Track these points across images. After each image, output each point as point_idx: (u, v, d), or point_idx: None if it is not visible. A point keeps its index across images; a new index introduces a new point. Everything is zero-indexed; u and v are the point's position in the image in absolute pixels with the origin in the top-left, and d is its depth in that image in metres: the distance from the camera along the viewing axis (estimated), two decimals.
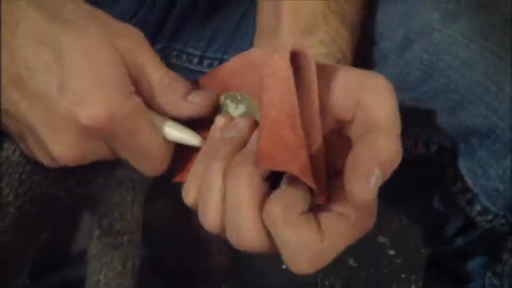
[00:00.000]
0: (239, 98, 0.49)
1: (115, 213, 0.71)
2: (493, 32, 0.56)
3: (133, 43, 0.47)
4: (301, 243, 0.41)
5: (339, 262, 1.30)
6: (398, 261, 1.31)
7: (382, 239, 1.35)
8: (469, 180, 0.56)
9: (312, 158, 0.44)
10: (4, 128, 0.50)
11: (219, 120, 0.49)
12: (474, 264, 0.63)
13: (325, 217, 0.43)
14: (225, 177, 0.44)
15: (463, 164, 0.56)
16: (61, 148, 0.46)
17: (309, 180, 0.42)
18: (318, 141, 0.44)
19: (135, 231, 0.74)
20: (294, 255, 0.42)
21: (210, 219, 0.45)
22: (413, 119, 0.56)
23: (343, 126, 0.46)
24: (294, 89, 0.43)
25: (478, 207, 0.57)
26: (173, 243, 0.97)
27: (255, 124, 0.47)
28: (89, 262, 0.75)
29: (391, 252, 1.33)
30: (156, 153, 0.48)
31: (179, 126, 0.50)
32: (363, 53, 0.56)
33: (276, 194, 0.43)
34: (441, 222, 0.61)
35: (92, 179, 0.69)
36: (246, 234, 0.43)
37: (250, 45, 0.65)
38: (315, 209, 0.43)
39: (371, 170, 0.41)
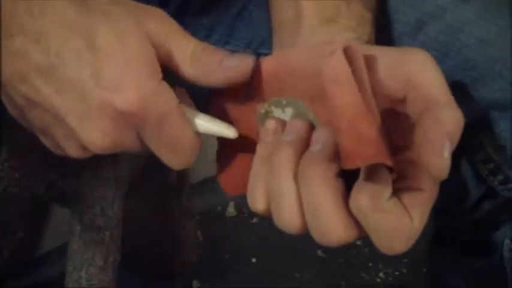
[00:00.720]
0: (284, 102, 0.49)
1: (96, 209, 0.72)
2: (507, 9, 0.58)
3: (160, 23, 0.47)
4: (393, 227, 0.43)
5: (308, 254, 1.32)
6: (366, 250, 1.33)
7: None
8: (491, 151, 0.58)
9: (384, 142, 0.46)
10: (26, 123, 0.50)
11: (271, 124, 0.49)
12: (491, 235, 0.64)
13: (406, 195, 0.44)
14: (295, 179, 0.45)
15: (484, 136, 0.57)
16: (95, 136, 0.46)
17: (392, 164, 0.44)
18: (379, 124, 0.46)
19: (116, 226, 0.74)
20: (388, 239, 0.43)
21: (289, 223, 0.46)
22: None
23: (395, 104, 0.47)
24: (355, 85, 0.45)
25: (500, 177, 0.58)
26: (143, 240, 0.98)
27: (311, 125, 0.48)
28: (70, 258, 0.75)
29: (358, 242, 1.34)
30: (186, 145, 0.47)
31: (212, 118, 0.49)
32: (376, 37, 0.56)
33: (360, 185, 0.44)
34: (462, 193, 0.62)
35: (75, 174, 0.69)
36: (335, 233, 0.44)
37: (253, 35, 0.66)
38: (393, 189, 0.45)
39: (444, 143, 0.43)
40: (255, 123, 0.51)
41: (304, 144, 0.46)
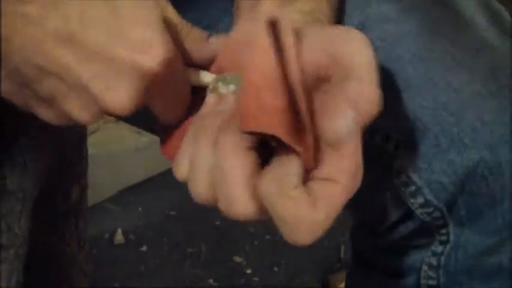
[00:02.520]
0: (228, 78, 0.50)
1: (2, 225, 0.67)
2: (445, 28, 0.59)
3: (164, 1, 0.50)
4: (297, 217, 0.42)
5: (199, 283, 1.30)
6: (256, 279, 1.33)
7: (238, 259, 1.36)
8: (412, 174, 0.58)
9: (297, 121, 0.44)
10: (22, 98, 0.49)
11: (210, 97, 0.50)
12: (408, 258, 0.64)
13: (316, 185, 0.43)
14: (213, 148, 0.45)
15: (407, 158, 0.58)
16: (122, 99, 0.46)
17: (293, 143, 0.43)
18: (302, 104, 0.44)
19: (22, 244, 0.70)
20: (291, 228, 0.42)
21: (201, 191, 0.46)
22: None
23: (323, 84, 0.46)
24: (272, 55, 0.45)
25: (420, 200, 0.58)
26: (35, 263, 0.93)
27: None
28: None
29: (248, 271, 1.35)
30: (187, 96, 0.51)
31: (201, 70, 0.52)
32: None
33: (269, 169, 0.43)
34: (380, 214, 0.62)
35: None
36: (238, 203, 0.43)
37: (199, 19, 0.65)
38: (304, 176, 0.44)
39: (343, 110, 0.43)
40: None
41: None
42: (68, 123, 0.50)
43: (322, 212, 0.42)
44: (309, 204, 0.42)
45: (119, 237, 1.37)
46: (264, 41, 0.45)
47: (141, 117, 0.53)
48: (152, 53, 0.46)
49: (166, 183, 1.49)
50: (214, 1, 0.66)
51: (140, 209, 1.44)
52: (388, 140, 0.59)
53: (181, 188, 1.49)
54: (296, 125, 0.44)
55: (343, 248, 1.40)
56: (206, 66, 0.53)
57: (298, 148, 0.43)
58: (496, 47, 0.59)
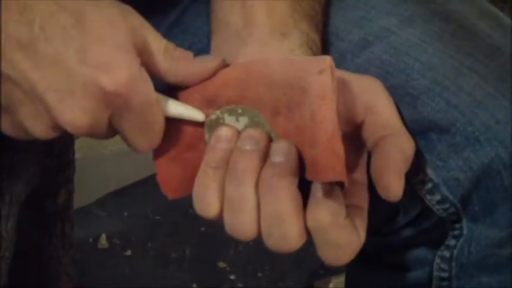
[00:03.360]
0: (240, 111, 0.50)
1: None
2: (450, 37, 0.61)
3: (139, 19, 0.48)
4: (347, 242, 0.48)
5: (183, 287, 1.30)
6: (240, 285, 1.34)
7: (222, 264, 1.36)
8: (429, 172, 0.60)
9: None
10: None
11: (225, 130, 0.50)
12: (420, 252, 0.66)
13: (353, 213, 0.49)
14: (256, 187, 0.48)
15: (422, 158, 0.60)
16: (75, 115, 0.45)
17: (348, 183, 0.48)
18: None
19: (8, 247, 0.70)
20: (338, 252, 0.49)
21: (246, 227, 0.49)
22: None
23: (353, 128, 0.52)
24: (336, 105, 0.49)
25: (438, 197, 0.60)
26: (21, 266, 0.93)
27: (268, 136, 0.50)
28: None
29: (232, 277, 1.35)
30: (157, 129, 0.49)
31: (181, 103, 0.51)
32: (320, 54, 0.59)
33: (319, 201, 0.48)
34: (395, 211, 0.64)
35: None
36: (292, 241, 0.48)
37: (190, 44, 0.65)
38: None
39: (401, 168, 0.50)
40: (199, 128, 0.52)
41: (264, 154, 0.49)
42: (23, 135, 0.49)
43: (362, 235, 0.50)
44: (356, 232, 0.49)
45: (103, 241, 1.36)
46: (331, 90, 0.48)
47: None
48: (113, 74, 0.45)
49: (151, 188, 1.48)
50: (165, 12, 0.65)
51: (125, 213, 1.44)
52: None
53: None
54: None
55: None
56: (193, 91, 0.52)
57: (347, 184, 0.48)
58: (503, 51, 0.61)
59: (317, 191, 0.48)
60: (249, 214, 0.48)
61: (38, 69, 0.44)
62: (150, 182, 1.49)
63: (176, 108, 0.50)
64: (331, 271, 1.36)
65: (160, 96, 0.50)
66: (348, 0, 0.63)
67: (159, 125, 0.49)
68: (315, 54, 0.56)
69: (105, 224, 1.41)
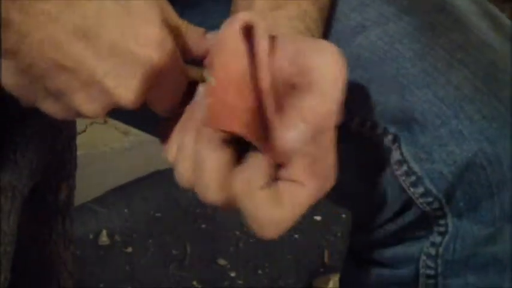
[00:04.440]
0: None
1: None
2: (445, 30, 0.61)
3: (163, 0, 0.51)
4: (263, 215, 0.47)
5: (183, 283, 1.30)
6: (240, 282, 1.34)
7: (222, 262, 1.36)
8: (413, 164, 0.60)
9: (265, 124, 0.48)
10: (29, 92, 0.50)
11: (199, 88, 0.53)
12: (406, 250, 0.66)
13: (283, 185, 0.48)
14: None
15: (406, 150, 0.60)
16: (135, 94, 0.48)
17: (256, 141, 0.47)
18: (270, 107, 0.48)
19: (10, 242, 0.70)
20: (257, 224, 0.48)
21: (183, 174, 0.51)
22: (363, 99, 0.61)
23: (292, 91, 0.49)
24: (242, 57, 0.48)
25: (421, 189, 0.60)
26: (22, 262, 0.93)
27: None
28: None
29: (232, 274, 1.35)
30: (183, 88, 0.53)
31: (195, 67, 0.54)
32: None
33: (240, 168, 0.48)
34: (380, 205, 0.64)
35: None
36: (210, 194, 0.48)
37: (202, 23, 0.66)
38: (274, 176, 0.49)
39: (295, 123, 0.47)
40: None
41: None
42: (73, 117, 0.52)
43: (286, 211, 0.48)
44: (274, 205, 0.47)
45: (104, 238, 1.37)
46: (234, 43, 0.48)
47: (132, 115, 0.55)
48: (162, 47, 0.48)
49: (152, 185, 1.49)
50: (216, 4, 0.67)
51: (126, 210, 1.44)
52: (387, 134, 0.60)
53: (167, 190, 1.50)
54: (265, 126, 0.48)
55: (326, 252, 1.41)
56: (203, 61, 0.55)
57: (259, 144, 0.47)
58: (496, 48, 0.61)
59: (244, 160, 0.48)
60: (185, 160, 0.50)
61: (95, 56, 0.47)
62: (151, 179, 1.50)
63: (193, 72, 0.53)
64: (330, 269, 1.36)
65: (185, 64, 0.53)
66: None
67: (183, 89, 0.53)
68: (310, 30, 0.57)
69: (106, 220, 1.41)
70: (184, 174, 0.51)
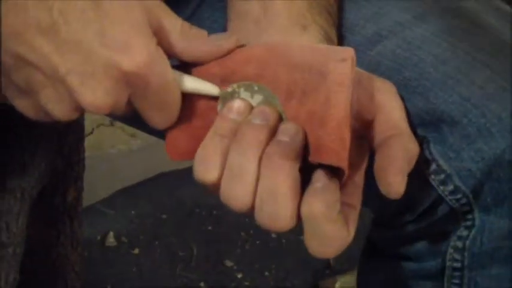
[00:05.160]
0: (256, 88, 0.52)
1: (1, 223, 0.68)
2: (463, 33, 0.62)
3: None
4: (335, 237, 0.49)
5: (191, 286, 1.31)
6: (246, 283, 1.34)
7: (229, 263, 1.37)
8: (442, 163, 0.61)
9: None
10: (3, 85, 0.49)
11: (238, 103, 0.51)
12: (432, 243, 0.67)
13: (345, 210, 0.50)
14: (259, 161, 0.49)
15: (435, 149, 0.61)
16: (96, 96, 0.47)
17: (347, 175, 0.50)
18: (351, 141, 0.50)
19: (19, 243, 0.70)
20: (325, 245, 0.49)
21: (240, 198, 0.50)
22: None
23: (361, 126, 0.54)
24: (350, 94, 0.50)
25: (450, 187, 0.61)
26: (31, 263, 0.94)
27: (279, 116, 0.51)
28: None
29: (239, 275, 1.35)
30: (175, 106, 0.51)
31: (196, 78, 0.52)
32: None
33: (316, 191, 0.49)
34: (408, 202, 0.65)
35: None
36: (281, 221, 0.49)
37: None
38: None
39: (404, 167, 0.51)
40: (212, 100, 0.53)
41: (272, 132, 0.50)
42: (45, 118, 0.51)
43: (352, 233, 0.50)
44: (345, 228, 0.50)
45: (111, 239, 1.37)
46: (349, 80, 0.50)
47: (138, 117, 0.55)
48: (132, 54, 0.46)
49: (159, 187, 1.49)
50: (180, 7, 0.67)
51: (133, 212, 1.45)
52: (415, 136, 0.61)
53: (173, 191, 1.49)
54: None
55: (332, 258, 1.41)
56: (211, 66, 0.53)
57: (345, 177, 0.49)
58: None
59: (317, 180, 0.49)
60: (246, 185, 0.49)
61: (58, 52, 0.46)
62: (158, 181, 1.50)
63: (192, 83, 0.52)
64: (336, 271, 1.37)
65: (177, 73, 0.51)
66: None
67: (176, 103, 0.51)
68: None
69: (113, 222, 1.41)
70: (243, 198, 0.50)
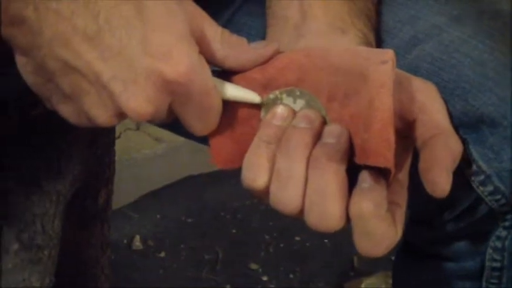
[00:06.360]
0: (298, 93, 0.52)
1: (37, 226, 0.69)
2: (499, 35, 0.63)
3: (196, 7, 0.50)
4: (384, 235, 0.49)
5: (216, 286, 1.32)
6: (272, 286, 1.35)
7: (254, 266, 1.37)
8: (482, 163, 0.61)
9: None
10: (46, 91, 0.50)
11: (282, 109, 0.52)
12: (471, 243, 0.67)
13: (392, 209, 0.51)
14: (306, 165, 0.50)
15: (475, 150, 0.61)
16: (139, 103, 0.47)
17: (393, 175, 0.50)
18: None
19: (55, 246, 0.72)
20: (374, 243, 0.50)
21: (290, 202, 0.50)
22: None
23: (404, 126, 0.54)
24: (392, 95, 0.50)
25: (490, 188, 0.62)
26: (63, 265, 0.95)
27: (323, 119, 0.52)
28: (2, 278, 0.71)
29: (264, 278, 1.36)
30: (215, 113, 0.51)
31: (236, 86, 0.53)
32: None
33: (364, 191, 0.49)
34: (447, 203, 0.64)
35: (16, 189, 0.66)
36: (331, 220, 0.49)
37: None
38: None
39: (449, 166, 0.51)
40: (254, 107, 0.54)
41: (317, 135, 0.51)
42: (87, 123, 0.51)
43: (399, 230, 0.51)
44: (394, 226, 0.50)
45: (137, 243, 1.38)
46: (391, 81, 0.50)
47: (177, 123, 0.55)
48: (174, 62, 0.47)
49: (184, 191, 1.50)
50: (216, 13, 0.68)
51: (158, 215, 1.46)
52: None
53: (198, 195, 1.50)
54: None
55: (356, 256, 1.41)
56: (252, 73, 0.54)
57: (391, 177, 0.50)
58: None
59: (363, 180, 0.50)
60: (295, 188, 0.50)
61: (102, 59, 0.47)
62: (183, 185, 1.51)
63: (233, 91, 0.52)
64: (361, 273, 1.37)
65: (218, 81, 0.51)
66: (398, 0, 0.65)
67: (217, 110, 0.51)
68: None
69: (139, 225, 1.42)
70: (293, 201, 0.50)
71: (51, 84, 0.49)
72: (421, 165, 0.52)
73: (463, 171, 0.61)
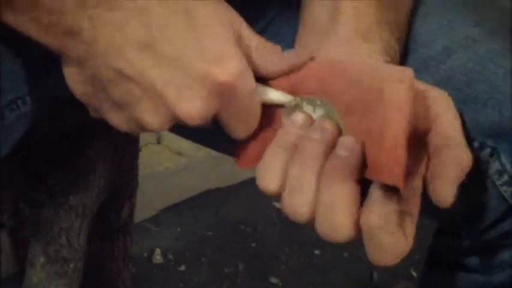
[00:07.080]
0: (318, 102, 0.53)
1: (63, 240, 0.69)
2: None
3: (236, 13, 0.52)
4: (394, 247, 0.50)
5: None
6: None
7: (274, 280, 1.37)
8: None
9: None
10: (96, 101, 0.51)
11: (300, 116, 0.53)
12: (503, 255, 0.67)
13: (403, 218, 0.51)
14: (318, 175, 0.50)
15: (506, 160, 0.61)
16: (194, 106, 0.49)
17: (404, 192, 0.50)
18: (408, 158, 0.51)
19: (80, 259, 0.72)
20: (384, 255, 0.50)
21: (299, 209, 0.51)
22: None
23: (420, 135, 0.54)
24: (410, 120, 0.50)
25: None
26: (87, 277, 0.95)
27: (338, 130, 0.52)
28: None
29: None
30: (257, 114, 0.53)
31: (273, 89, 0.54)
32: (401, 59, 0.62)
33: (375, 204, 0.50)
34: (478, 213, 0.65)
35: (45, 201, 0.67)
36: (340, 233, 0.50)
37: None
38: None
39: (454, 178, 0.52)
40: (278, 110, 0.55)
41: (330, 146, 0.51)
42: (137, 130, 0.52)
43: (410, 241, 0.51)
44: (404, 238, 0.50)
45: (158, 256, 1.38)
46: (408, 104, 0.50)
47: (201, 133, 0.56)
48: (227, 65, 0.49)
49: (204, 205, 1.50)
50: (252, 22, 0.69)
51: (178, 229, 1.46)
52: (484, 147, 0.62)
53: (218, 209, 1.50)
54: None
55: (376, 273, 1.41)
56: (278, 79, 0.55)
57: (404, 192, 0.50)
58: None
59: (374, 193, 0.50)
60: (306, 197, 0.51)
61: (156, 67, 0.48)
62: (203, 199, 1.51)
63: (270, 94, 0.54)
64: (380, 286, 1.37)
65: (256, 84, 0.53)
66: (431, 11, 0.66)
67: (258, 113, 0.53)
68: (393, 61, 0.58)
69: (159, 239, 1.43)
70: (302, 209, 0.51)
71: (102, 93, 0.50)
72: (427, 174, 0.53)
73: (494, 181, 0.62)
